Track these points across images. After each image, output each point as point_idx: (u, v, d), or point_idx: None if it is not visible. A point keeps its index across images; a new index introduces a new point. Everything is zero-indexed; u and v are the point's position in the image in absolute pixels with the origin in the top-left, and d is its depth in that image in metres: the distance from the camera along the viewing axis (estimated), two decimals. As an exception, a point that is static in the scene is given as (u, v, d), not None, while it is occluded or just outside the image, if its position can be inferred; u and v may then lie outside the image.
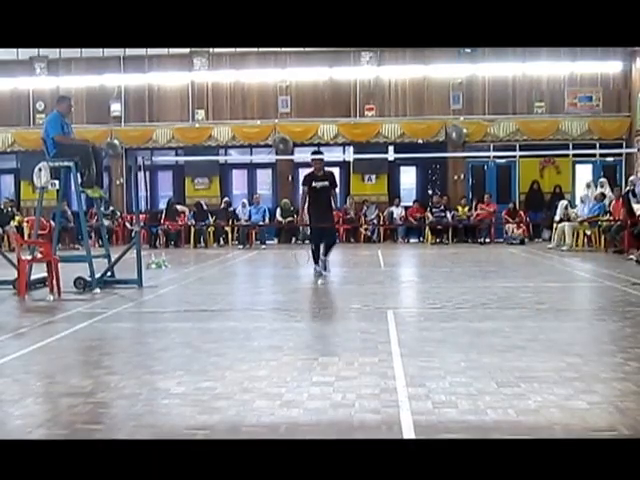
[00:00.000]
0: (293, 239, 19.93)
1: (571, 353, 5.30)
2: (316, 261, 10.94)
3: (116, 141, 20.74)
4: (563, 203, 17.13)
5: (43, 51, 20.62)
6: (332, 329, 6.70)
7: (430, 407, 4.00)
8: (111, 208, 13.81)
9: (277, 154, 20.37)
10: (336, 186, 11.43)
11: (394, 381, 4.54)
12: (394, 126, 20.35)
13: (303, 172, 21.04)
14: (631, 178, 16.89)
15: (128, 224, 19.18)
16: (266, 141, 20.70)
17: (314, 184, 10.99)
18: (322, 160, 11.34)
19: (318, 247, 10.99)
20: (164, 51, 20.51)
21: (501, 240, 18.68)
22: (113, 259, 10.14)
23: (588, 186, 17.99)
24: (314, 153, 12.05)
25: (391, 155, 20.35)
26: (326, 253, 11.04)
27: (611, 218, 15.86)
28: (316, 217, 11.10)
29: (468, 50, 19.71)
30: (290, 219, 19.56)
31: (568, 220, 16.59)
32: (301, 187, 11.63)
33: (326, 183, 11.01)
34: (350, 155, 20.41)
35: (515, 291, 8.99)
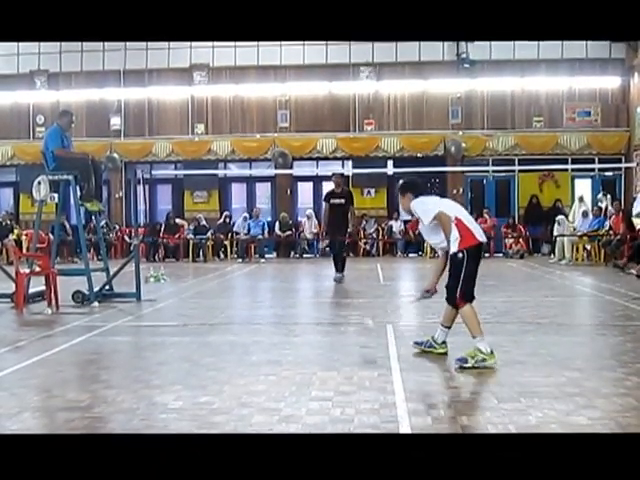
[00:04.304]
0: (292, 253, 19.93)
1: (572, 368, 5.27)
2: (336, 267, 12.29)
3: (115, 155, 20.75)
4: (561, 219, 17.08)
5: (43, 65, 20.71)
6: (331, 343, 6.66)
7: (430, 422, 3.97)
8: (105, 220, 13.75)
9: (276, 168, 20.41)
10: (353, 204, 12.59)
11: (393, 396, 4.51)
12: (393, 140, 20.39)
13: (302, 186, 21.49)
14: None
15: (127, 237, 19.16)
16: (265, 155, 20.73)
17: (332, 200, 12.26)
18: (342, 176, 12.95)
19: (336, 256, 12.43)
20: (164, 65, 20.62)
21: (501, 254, 18.66)
22: (112, 272, 10.11)
23: (580, 200, 17.99)
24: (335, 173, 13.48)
25: (390, 169, 20.37)
26: (342, 269, 12.29)
27: (611, 232, 15.86)
28: (332, 231, 12.42)
29: (467, 65, 19.80)
30: (289, 233, 19.62)
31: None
32: (323, 203, 12.91)
33: (342, 200, 12.19)
34: (349, 169, 20.43)
35: (515, 305, 8.97)
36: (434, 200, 5.85)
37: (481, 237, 5.55)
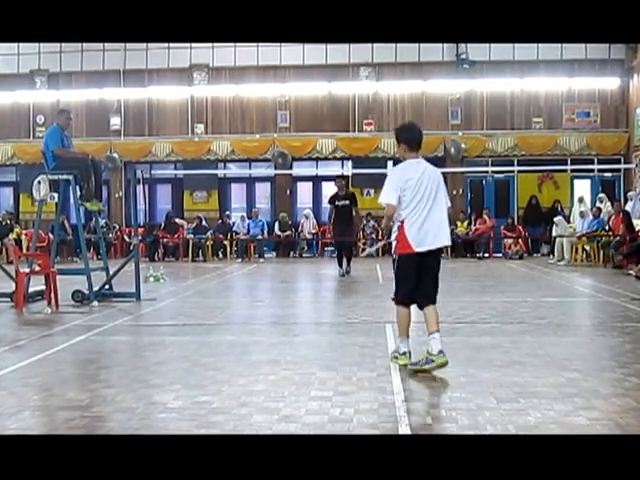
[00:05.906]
0: (291, 253, 19.93)
1: (570, 369, 5.27)
2: (339, 265, 13.27)
3: (115, 154, 20.77)
4: (558, 220, 17.07)
5: (43, 65, 20.72)
6: (330, 343, 6.66)
7: (429, 422, 3.97)
8: (104, 220, 13.65)
9: (276, 168, 20.42)
10: (356, 205, 13.40)
11: (392, 396, 4.52)
12: (393, 141, 20.21)
13: (302, 186, 21.50)
14: (630, 193, 16.95)
15: (127, 237, 19.15)
16: (265, 155, 20.73)
17: (337, 202, 13.09)
18: (343, 178, 13.78)
19: (340, 255, 13.38)
20: (164, 65, 20.63)
21: (500, 255, 18.66)
22: (111, 272, 10.11)
23: (580, 201, 17.99)
24: (337, 176, 14.39)
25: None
26: (347, 264, 13.26)
27: (610, 233, 15.86)
28: (338, 231, 13.25)
29: (466, 65, 19.81)
30: (288, 233, 19.64)
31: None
32: (328, 205, 13.73)
33: (347, 202, 12.99)
34: (349, 169, 20.42)
35: (514, 306, 8.97)
36: (410, 181, 5.22)
37: (419, 247, 5.23)
